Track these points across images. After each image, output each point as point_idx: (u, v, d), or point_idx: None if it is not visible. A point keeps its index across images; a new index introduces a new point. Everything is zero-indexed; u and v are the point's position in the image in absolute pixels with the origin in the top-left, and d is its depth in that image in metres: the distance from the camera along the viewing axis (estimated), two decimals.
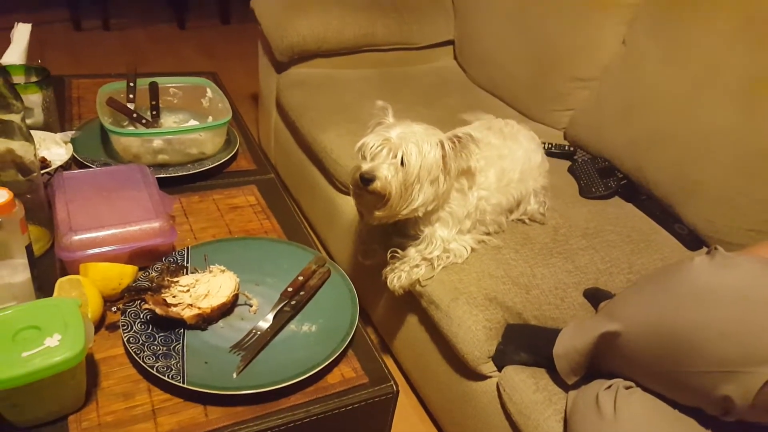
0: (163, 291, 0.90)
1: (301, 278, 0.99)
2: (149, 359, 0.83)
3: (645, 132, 1.60)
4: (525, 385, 1.19)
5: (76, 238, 0.95)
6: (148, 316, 0.90)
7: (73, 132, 1.22)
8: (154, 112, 1.38)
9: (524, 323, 1.30)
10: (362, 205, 1.31)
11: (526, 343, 1.26)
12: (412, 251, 1.39)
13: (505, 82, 2.05)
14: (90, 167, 1.21)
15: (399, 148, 1.22)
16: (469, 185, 1.36)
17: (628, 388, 1.01)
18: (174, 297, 0.90)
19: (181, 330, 0.90)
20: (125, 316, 0.89)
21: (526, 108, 1.96)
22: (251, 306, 0.96)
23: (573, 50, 1.85)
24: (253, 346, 0.88)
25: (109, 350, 0.88)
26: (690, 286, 0.92)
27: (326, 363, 0.85)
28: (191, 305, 0.89)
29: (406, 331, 1.46)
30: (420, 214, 1.29)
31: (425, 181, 1.25)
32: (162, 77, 1.42)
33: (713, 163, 1.45)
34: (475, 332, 1.25)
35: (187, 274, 0.96)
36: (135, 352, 0.83)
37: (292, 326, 0.93)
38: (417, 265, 1.38)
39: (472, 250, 1.41)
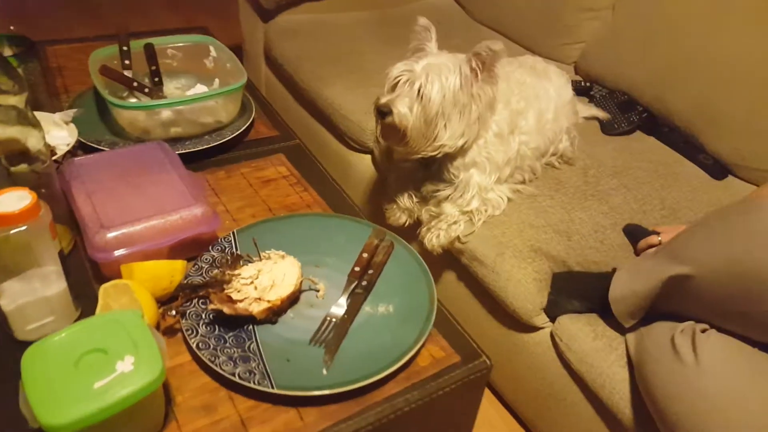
0: (225, 286, 0.79)
1: (365, 255, 0.88)
2: (227, 365, 0.72)
3: (666, 61, 1.52)
4: (583, 333, 1.13)
5: (111, 235, 0.81)
6: (211, 315, 0.79)
7: (74, 110, 1.04)
8: (155, 79, 1.20)
9: (570, 270, 1.24)
10: (384, 136, 1.20)
11: (576, 291, 1.21)
12: (448, 207, 1.29)
13: (509, 17, 1.92)
14: (99, 149, 1.05)
15: (418, 81, 1.10)
16: (509, 129, 1.25)
17: (703, 330, 0.96)
18: (238, 292, 0.78)
19: (251, 326, 0.79)
20: (187, 319, 0.77)
21: (533, 43, 1.84)
22: (318, 291, 0.85)
23: None
24: (334, 336, 0.78)
25: (174, 358, 0.76)
26: (765, 224, 0.87)
27: (418, 346, 0.76)
28: (259, 299, 0.78)
29: (443, 290, 1.38)
30: (450, 151, 1.18)
31: (452, 113, 1.14)
32: (156, 37, 1.24)
33: (738, 89, 1.39)
34: (525, 285, 1.18)
35: (242, 263, 0.84)
36: (209, 359, 0.72)
37: (367, 308, 0.83)
38: (455, 222, 1.29)
39: (509, 200, 1.32)
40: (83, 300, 0.81)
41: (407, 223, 1.37)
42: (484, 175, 1.27)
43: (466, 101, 1.15)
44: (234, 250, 0.89)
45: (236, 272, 0.80)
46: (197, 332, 0.76)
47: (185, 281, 0.82)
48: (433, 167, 1.28)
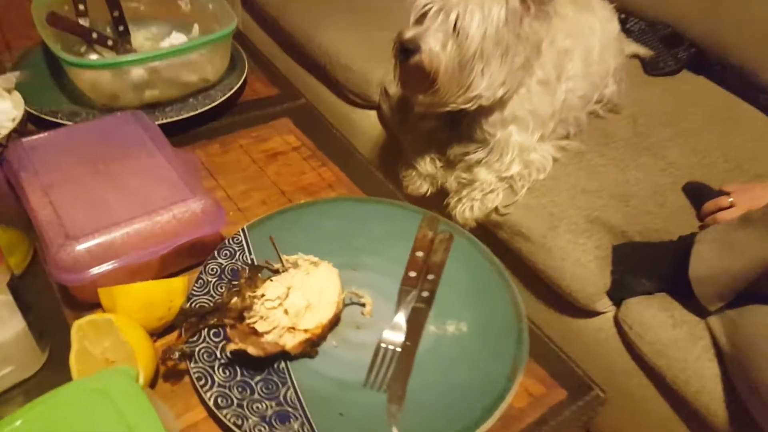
0: (245, 313, 0.57)
1: (419, 254, 0.67)
2: (261, 429, 0.52)
3: None
4: (658, 320, 0.95)
5: (81, 248, 0.58)
6: (227, 354, 0.58)
7: (17, 74, 0.79)
8: (120, 27, 0.94)
9: (631, 242, 1.05)
10: (405, 82, 0.97)
11: (644, 267, 1.02)
12: (482, 173, 1.08)
13: None
14: (55, 124, 0.80)
15: (454, 11, 0.87)
16: (556, 74, 1.03)
17: None
18: (264, 319, 0.57)
19: (282, 363, 0.59)
20: (197, 361, 0.56)
21: None
22: (363, 306, 0.64)
23: None
24: (397, 375, 0.58)
25: (182, 417, 0.55)
26: None
27: (515, 384, 0.56)
28: (292, 328, 0.57)
29: None
30: (486, 103, 0.97)
31: (492, 55, 0.91)
32: None
33: None
34: (585, 265, 1.00)
35: (262, 277, 0.62)
36: (235, 423, 0.52)
37: (431, 328, 0.63)
38: (492, 190, 1.08)
39: (554, 160, 1.11)
40: (51, 336, 0.59)
41: (429, 192, 1.16)
42: (526, 133, 1.05)
43: (511, 41, 0.92)
44: (248, 255, 0.67)
45: (258, 292, 0.59)
46: (212, 381, 0.55)
47: (188, 305, 0.60)
48: (462, 125, 1.06)
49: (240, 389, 0.55)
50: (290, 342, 0.57)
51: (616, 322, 1.01)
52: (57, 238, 0.58)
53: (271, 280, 0.60)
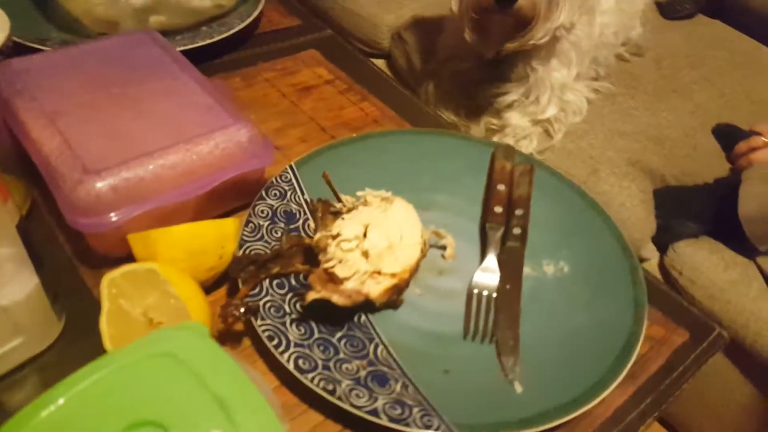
0: (320, 256, 0.45)
1: (501, 187, 0.56)
2: (360, 397, 0.40)
3: None
4: (710, 262, 0.88)
5: (103, 184, 0.44)
6: (299, 306, 0.46)
7: None
8: None
9: (670, 186, 0.97)
10: (487, 35, 0.85)
11: (687, 210, 0.94)
12: (515, 117, 0.97)
13: None
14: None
15: None
16: (593, 5, 0.93)
17: None
18: (342, 263, 0.44)
19: (363, 317, 0.47)
20: (265, 318, 0.44)
21: None
22: (444, 249, 0.53)
23: None
24: (505, 323, 0.47)
25: None
26: None
27: (642, 330, 0.46)
28: (377, 272, 0.45)
29: None
30: (564, 36, 0.86)
31: None
32: None
33: None
34: (631, 210, 0.91)
35: (332, 216, 0.50)
36: (325, 388, 0.40)
37: (527, 270, 0.52)
38: (526, 136, 0.97)
39: (588, 102, 1.01)
40: (66, 300, 0.46)
41: None
42: (567, 69, 0.95)
43: None
44: (300, 195, 0.55)
45: (332, 231, 0.46)
46: (288, 340, 0.43)
47: (243, 252, 0.48)
48: (503, 63, 0.95)
49: (322, 349, 0.43)
50: (374, 290, 0.45)
51: (662, 268, 0.93)
52: (72, 173, 0.44)
53: (343, 219, 0.48)
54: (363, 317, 0.47)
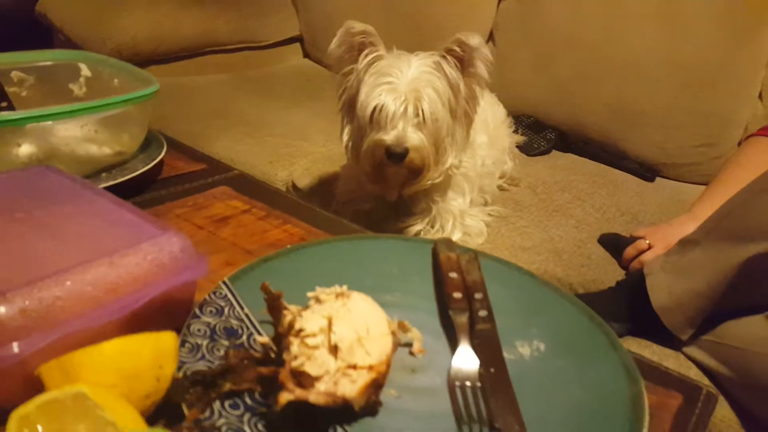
0: (284, 355, 0.39)
1: (453, 275, 0.54)
2: None
3: (568, 77, 1.45)
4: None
5: (7, 308, 0.36)
6: (260, 425, 0.38)
7: None
8: (2, 104, 0.74)
9: (579, 294, 1.02)
10: (386, 185, 0.90)
11: (605, 314, 0.97)
12: None
13: None
14: None
15: (420, 102, 0.85)
16: (471, 140, 1.03)
17: None
18: (310, 360, 0.38)
19: (340, 429, 0.39)
20: None
21: None
22: (410, 345, 0.48)
23: (452, 16, 1.63)
24: (503, 408, 0.42)
25: None
26: None
27: (644, 393, 0.43)
28: (353, 366, 0.39)
29: None
30: (454, 171, 0.93)
31: (451, 126, 0.90)
32: None
33: (654, 87, 1.36)
34: None
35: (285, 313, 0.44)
36: None
37: (505, 354, 0.48)
38: None
39: (486, 225, 1.08)
40: None
41: None
42: (462, 198, 1.02)
43: (462, 106, 0.91)
44: (240, 309, 0.48)
45: (297, 327, 0.40)
46: None
47: (183, 372, 0.39)
48: (405, 200, 0.99)
49: None
50: (350, 389, 0.39)
51: None
52: None
53: (300, 315, 0.42)
54: (339, 430, 0.40)
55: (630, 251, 1.06)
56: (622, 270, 1.07)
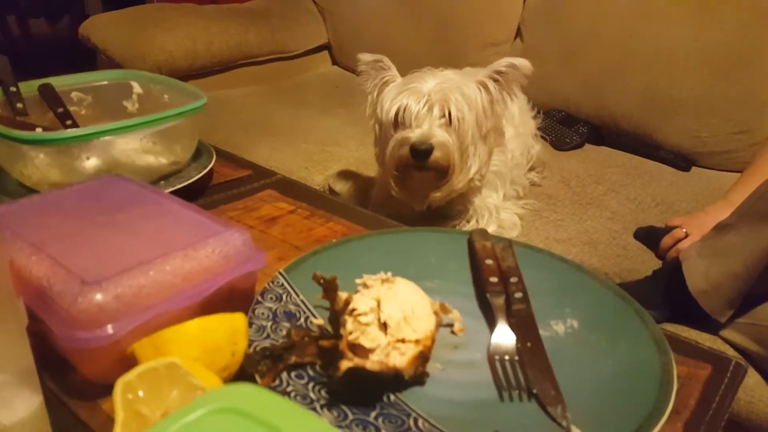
0: (341, 330, 0.45)
1: (489, 262, 0.59)
2: None
3: (597, 69, 1.48)
4: None
5: (104, 295, 0.43)
6: (323, 391, 0.44)
7: None
8: (68, 122, 0.82)
9: (616, 283, 1.05)
10: (412, 190, 0.95)
11: (643, 302, 1.01)
12: None
13: (409, 68, 1.80)
14: None
15: (447, 103, 0.89)
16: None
17: None
18: (364, 334, 0.44)
19: (393, 396, 0.45)
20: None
21: None
22: (451, 325, 0.54)
23: (479, 15, 1.68)
24: (540, 377, 0.47)
25: None
26: None
27: (674, 363, 0.48)
28: (401, 340, 0.45)
29: None
30: (477, 183, 0.97)
31: (478, 138, 0.94)
32: (52, 77, 0.87)
33: (685, 75, 1.38)
34: None
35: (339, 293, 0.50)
36: None
37: (540, 332, 0.53)
38: None
39: (520, 218, 1.12)
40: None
41: None
42: (496, 194, 1.06)
43: (489, 121, 0.96)
44: (296, 296, 0.55)
45: (350, 306, 0.46)
46: None
47: (253, 348, 0.46)
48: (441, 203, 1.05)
49: (362, 428, 0.41)
50: (400, 360, 0.44)
51: None
52: (70, 287, 0.43)
53: (352, 297, 0.48)
54: (392, 397, 0.45)
55: (667, 240, 1.08)
56: (658, 260, 1.10)
